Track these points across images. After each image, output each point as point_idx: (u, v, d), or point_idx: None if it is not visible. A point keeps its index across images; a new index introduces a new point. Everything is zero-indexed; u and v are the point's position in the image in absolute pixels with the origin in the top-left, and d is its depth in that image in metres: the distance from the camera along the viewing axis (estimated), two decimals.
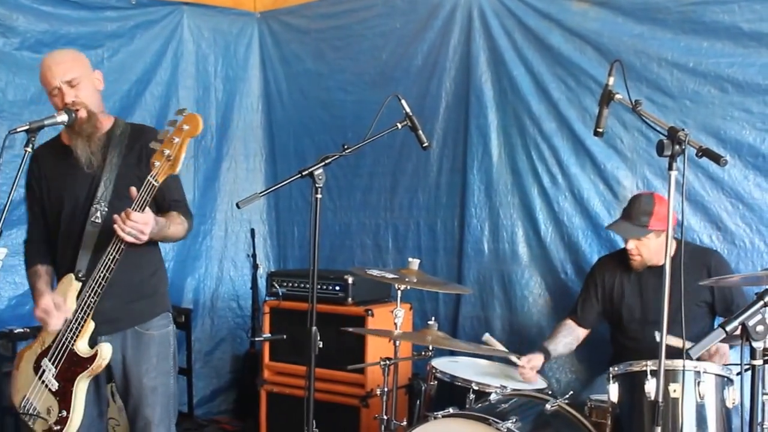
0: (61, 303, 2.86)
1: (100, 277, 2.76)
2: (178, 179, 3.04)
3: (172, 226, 2.92)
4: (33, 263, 3.11)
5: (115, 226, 2.69)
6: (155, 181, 2.65)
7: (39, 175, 3.07)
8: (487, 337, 3.86)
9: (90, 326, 2.82)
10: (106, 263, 2.75)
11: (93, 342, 2.86)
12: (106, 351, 2.83)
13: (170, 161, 2.63)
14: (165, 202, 2.96)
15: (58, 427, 2.86)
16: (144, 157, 2.90)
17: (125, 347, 2.95)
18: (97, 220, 2.86)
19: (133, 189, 2.71)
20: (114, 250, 2.73)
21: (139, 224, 2.68)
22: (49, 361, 2.88)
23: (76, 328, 2.81)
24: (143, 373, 2.95)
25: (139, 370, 2.95)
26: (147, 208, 2.70)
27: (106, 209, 2.85)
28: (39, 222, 3.13)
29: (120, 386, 3.02)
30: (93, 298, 2.78)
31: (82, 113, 2.87)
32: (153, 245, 3.02)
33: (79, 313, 2.81)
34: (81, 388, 2.85)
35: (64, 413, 2.85)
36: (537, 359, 3.63)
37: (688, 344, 2.29)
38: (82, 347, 2.82)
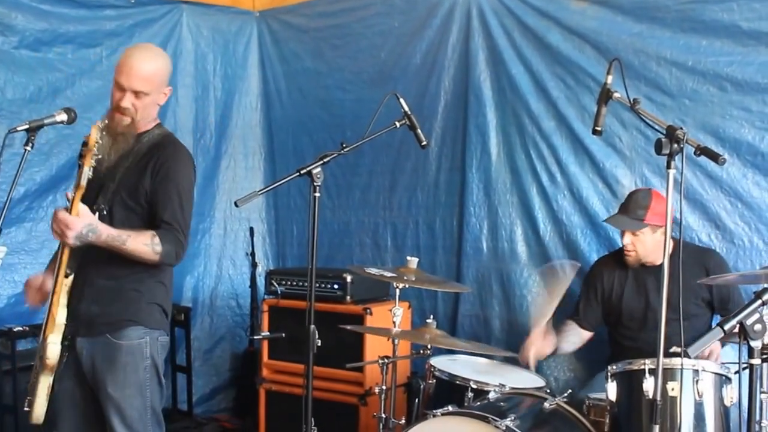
0: (45, 285, 2.90)
1: (57, 277, 2.77)
2: (180, 198, 2.93)
3: (132, 243, 2.79)
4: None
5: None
6: (70, 193, 2.69)
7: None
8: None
9: (56, 322, 2.80)
10: (59, 264, 2.76)
11: (73, 342, 2.87)
12: (50, 351, 2.80)
13: (79, 176, 2.66)
14: (156, 220, 2.90)
15: (27, 409, 2.87)
16: (153, 170, 2.89)
17: (95, 353, 2.91)
18: None
19: (69, 193, 2.73)
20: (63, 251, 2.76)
21: (60, 223, 2.69)
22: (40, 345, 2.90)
23: (46, 322, 2.82)
24: (108, 383, 2.89)
25: (105, 378, 2.89)
26: (82, 211, 2.69)
27: (105, 212, 2.85)
28: None
29: (94, 391, 2.97)
30: (55, 296, 2.78)
31: (126, 120, 2.88)
32: None
33: (49, 308, 2.81)
34: (42, 381, 2.82)
35: (31, 398, 2.85)
36: (547, 344, 3.67)
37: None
38: (47, 341, 2.80)
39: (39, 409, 2.85)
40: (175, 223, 2.90)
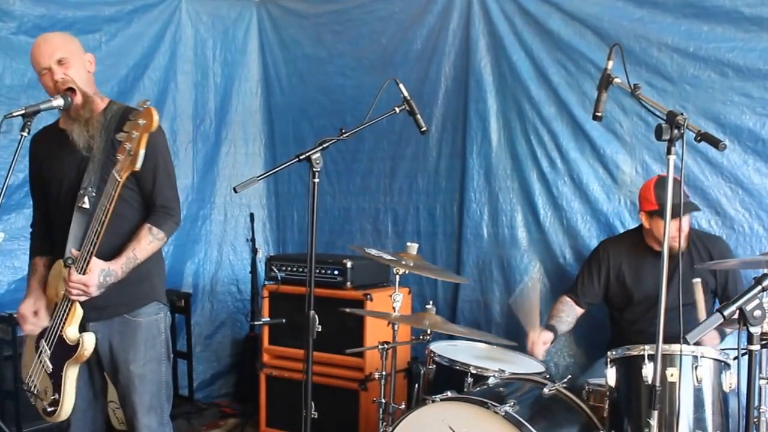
0: (40, 311, 2.91)
1: (81, 267, 2.74)
2: (166, 172, 2.95)
3: (141, 252, 2.85)
4: (34, 254, 3.11)
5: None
6: (118, 176, 2.61)
7: (36, 159, 3.06)
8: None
9: (77, 313, 2.80)
10: (85, 254, 2.73)
11: (84, 328, 2.85)
12: (88, 341, 2.82)
13: (131, 156, 2.57)
14: (148, 201, 2.91)
15: (51, 409, 2.88)
16: None
17: (112, 334, 2.93)
18: (85, 206, 2.82)
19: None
20: (90, 243, 2.71)
21: (79, 285, 2.70)
22: (46, 343, 2.88)
23: (64, 315, 2.81)
24: (130, 361, 2.93)
25: (126, 357, 2.93)
26: (93, 264, 2.70)
27: (95, 194, 2.82)
28: (41, 207, 3.11)
29: (110, 373, 3.01)
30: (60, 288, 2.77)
31: (78, 99, 2.84)
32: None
33: (65, 301, 2.80)
34: (70, 374, 2.85)
35: (57, 396, 2.86)
36: (548, 335, 3.65)
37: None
38: (70, 333, 2.81)
39: (68, 404, 2.88)
40: (167, 202, 2.94)
